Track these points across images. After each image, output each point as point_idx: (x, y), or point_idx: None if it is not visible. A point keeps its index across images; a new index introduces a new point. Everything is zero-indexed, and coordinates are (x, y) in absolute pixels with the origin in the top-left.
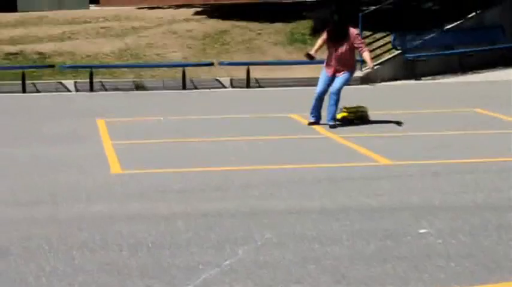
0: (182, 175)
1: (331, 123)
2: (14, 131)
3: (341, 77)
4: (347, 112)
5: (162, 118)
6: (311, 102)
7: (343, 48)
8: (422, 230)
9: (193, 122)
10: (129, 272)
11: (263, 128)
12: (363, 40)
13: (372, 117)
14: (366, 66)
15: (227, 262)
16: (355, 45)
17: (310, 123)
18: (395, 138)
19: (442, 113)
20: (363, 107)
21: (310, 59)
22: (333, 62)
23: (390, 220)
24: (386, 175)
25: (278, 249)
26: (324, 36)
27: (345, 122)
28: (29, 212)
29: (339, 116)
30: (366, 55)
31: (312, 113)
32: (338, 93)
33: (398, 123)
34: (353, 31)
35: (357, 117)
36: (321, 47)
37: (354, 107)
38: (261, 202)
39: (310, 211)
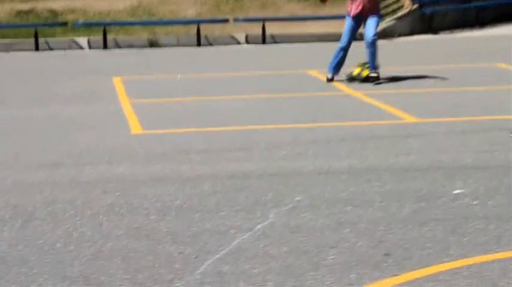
0: (204, 134)
1: (373, 74)
2: (29, 91)
3: (371, 22)
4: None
5: (179, 76)
6: (328, 58)
7: None
8: (456, 191)
9: (210, 79)
10: (159, 237)
11: (282, 86)
12: None
13: (392, 74)
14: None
15: (259, 226)
16: None
17: (329, 79)
18: (418, 95)
19: (463, 68)
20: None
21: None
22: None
23: (422, 181)
24: (413, 133)
25: (310, 212)
26: None
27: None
28: (51, 174)
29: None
30: None
31: (331, 68)
32: (374, 41)
33: (420, 79)
34: None
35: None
36: None
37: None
38: (287, 162)
39: (339, 171)
